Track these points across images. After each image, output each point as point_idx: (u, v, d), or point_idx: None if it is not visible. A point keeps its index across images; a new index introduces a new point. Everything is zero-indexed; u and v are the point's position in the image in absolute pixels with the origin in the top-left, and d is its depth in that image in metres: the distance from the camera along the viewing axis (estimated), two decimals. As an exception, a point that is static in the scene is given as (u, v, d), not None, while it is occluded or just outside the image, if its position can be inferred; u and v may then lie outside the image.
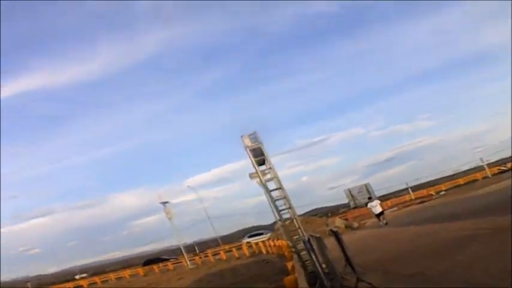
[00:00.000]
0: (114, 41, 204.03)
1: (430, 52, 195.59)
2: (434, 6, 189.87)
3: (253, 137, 17.71)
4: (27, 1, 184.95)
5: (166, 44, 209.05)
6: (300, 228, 17.90)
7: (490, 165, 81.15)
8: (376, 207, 36.08)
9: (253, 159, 17.75)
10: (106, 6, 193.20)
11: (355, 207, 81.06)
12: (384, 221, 35.01)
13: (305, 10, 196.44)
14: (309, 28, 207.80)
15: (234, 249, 58.57)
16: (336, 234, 14.70)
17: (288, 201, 17.93)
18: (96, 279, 74.36)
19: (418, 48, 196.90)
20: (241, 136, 17.72)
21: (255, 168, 17.93)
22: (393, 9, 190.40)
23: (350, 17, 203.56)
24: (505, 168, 74.96)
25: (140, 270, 69.22)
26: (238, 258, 49.26)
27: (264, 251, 46.74)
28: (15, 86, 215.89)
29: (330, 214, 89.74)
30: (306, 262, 16.61)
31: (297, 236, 17.86)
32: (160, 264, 69.00)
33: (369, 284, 12.47)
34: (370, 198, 45.71)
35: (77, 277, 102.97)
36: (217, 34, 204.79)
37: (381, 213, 36.19)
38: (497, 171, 74.24)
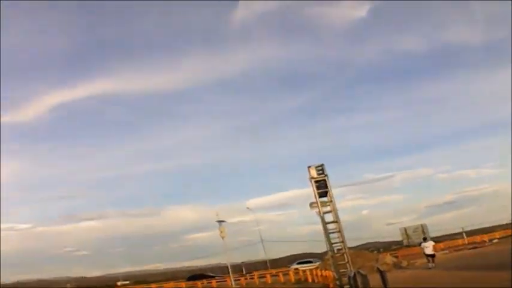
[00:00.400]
0: (199, 55, 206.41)
1: (504, 102, 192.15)
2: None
3: (320, 169, 18.42)
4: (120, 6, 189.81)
5: (248, 65, 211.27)
6: (348, 263, 18.47)
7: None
8: (428, 247, 36.02)
9: (315, 191, 18.42)
10: (193, 17, 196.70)
11: (407, 246, 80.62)
12: (433, 264, 34.84)
13: (393, 47, 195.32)
14: (394, 65, 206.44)
15: (280, 274, 58.09)
16: (381, 273, 15.46)
17: (342, 235, 18.49)
18: None
19: (498, 97, 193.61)
20: (309, 167, 18.44)
21: (316, 199, 18.61)
22: (482, 55, 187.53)
23: (437, 59, 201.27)
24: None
25: (183, 284, 69.53)
26: (283, 284, 49.62)
27: (309, 279, 46.51)
28: (88, 88, 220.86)
29: (382, 250, 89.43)
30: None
31: (344, 270, 18.44)
32: (205, 281, 68.85)
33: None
34: (425, 238, 45.60)
35: (119, 283, 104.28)
36: (302, 62, 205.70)
37: (433, 255, 35.84)
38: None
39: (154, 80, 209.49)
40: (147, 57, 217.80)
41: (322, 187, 18.48)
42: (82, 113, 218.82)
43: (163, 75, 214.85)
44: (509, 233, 76.83)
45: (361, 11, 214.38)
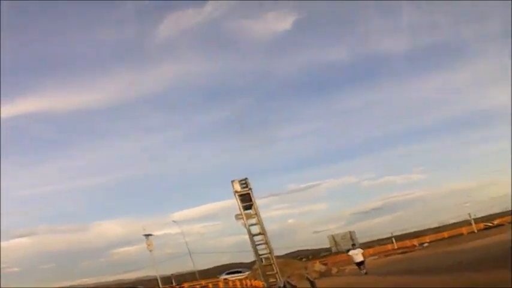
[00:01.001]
0: (120, 71, 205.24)
1: (434, 108, 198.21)
2: (446, 64, 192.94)
3: (244, 183, 18.34)
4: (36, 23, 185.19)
5: (172, 80, 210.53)
6: (277, 273, 18.12)
7: (477, 220, 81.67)
8: (357, 255, 34.22)
9: (240, 204, 18.34)
10: (116, 36, 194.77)
11: (336, 253, 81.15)
12: (364, 271, 33.48)
13: (317, 58, 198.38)
14: (318, 76, 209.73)
15: (210, 285, 58.22)
16: (310, 282, 14.87)
17: (269, 246, 18.35)
18: None
19: (423, 104, 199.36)
20: (232, 181, 18.35)
21: (241, 211, 18.41)
22: (406, 64, 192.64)
23: (360, 69, 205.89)
24: (491, 224, 75.50)
25: None
26: None
27: None
28: (14, 107, 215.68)
29: (311, 257, 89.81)
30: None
31: (274, 280, 18.09)
32: None
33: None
34: (353, 245, 44.14)
35: None
36: (226, 75, 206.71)
37: (362, 262, 34.23)
38: (483, 227, 74.71)
39: (82, 98, 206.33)
40: (72, 75, 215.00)
41: (246, 200, 18.35)
42: (9, 130, 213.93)
43: (90, 93, 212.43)
44: (440, 237, 78.60)
45: (286, 23, 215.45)
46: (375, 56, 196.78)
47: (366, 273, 32.90)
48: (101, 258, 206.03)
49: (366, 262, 35.61)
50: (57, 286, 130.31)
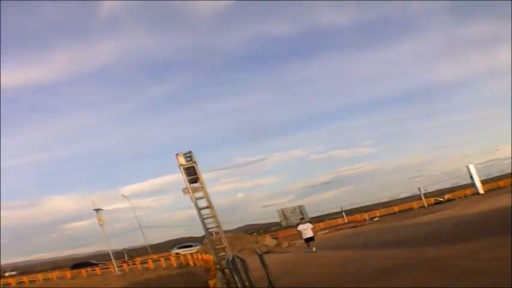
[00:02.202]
0: (65, 47, 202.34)
1: (380, 82, 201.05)
2: (390, 39, 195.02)
3: (188, 156, 18.41)
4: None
5: (117, 55, 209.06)
6: (226, 247, 18.24)
7: (428, 195, 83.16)
8: (307, 230, 31.71)
9: (185, 177, 18.46)
10: (61, 10, 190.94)
11: (286, 227, 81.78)
12: (314, 248, 30.84)
13: (263, 32, 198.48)
14: (263, 50, 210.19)
15: (162, 259, 60.05)
16: (260, 257, 14.79)
17: (217, 220, 18.50)
18: (25, 278, 74.48)
19: (369, 77, 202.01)
20: (176, 154, 18.44)
21: (187, 185, 18.50)
22: (352, 38, 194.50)
23: (305, 42, 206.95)
24: (441, 199, 76.95)
25: (68, 273, 69.58)
26: (165, 269, 49.87)
27: (191, 263, 47.23)
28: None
29: (261, 231, 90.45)
30: (230, 279, 16.74)
31: (223, 254, 18.19)
32: (89, 269, 69.50)
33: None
34: (302, 219, 38.37)
35: (6, 274, 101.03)
36: (171, 50, 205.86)
37: (311, 238, 31.60)
38: (433, 202, 76.08)
39: (28, 74, 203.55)
40: (16, 50, 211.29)
41: (192, 173, 18.35)
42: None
43: (35, 69, 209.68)
44: (390, 211, 79.93)
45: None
46: (319, 30, 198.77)
47: (315, 251, 30.48)
48: (53, 234, 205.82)
49: (315, 238, 32.80)
50: (11, 261, 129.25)
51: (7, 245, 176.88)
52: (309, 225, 32.60)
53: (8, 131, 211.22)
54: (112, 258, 63.11)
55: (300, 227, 32.57)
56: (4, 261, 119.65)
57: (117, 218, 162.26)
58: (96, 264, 76.66)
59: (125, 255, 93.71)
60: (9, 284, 71.26)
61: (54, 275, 71.04)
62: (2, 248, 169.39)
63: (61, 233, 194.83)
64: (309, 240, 31.65)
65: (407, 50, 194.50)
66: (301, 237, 33.80)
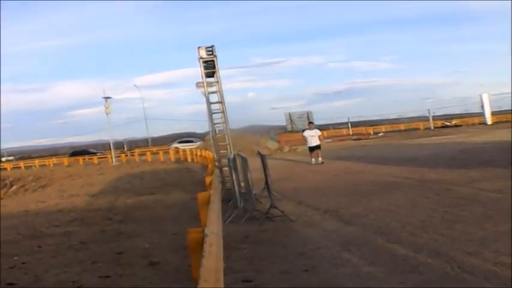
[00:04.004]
0: None
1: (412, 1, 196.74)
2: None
3: (210, 50, 18.37)
4: None
5: None
6: (229, 144, 18.47)
7: (436, 118, 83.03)
8: (314, 137, 29.15)
9: (203, 70, 18.50)
10: None
11: (291, 132, 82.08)
12: (319, 159, 28.66)
13: None
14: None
15: (160, 152, 60.20)
16: (261, 157, 14.96)
17: (225, 116, 18.67)
18: (21, 163, 76.27)
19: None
20: (198, 47, 18.36)
21: (203, 79, 18.64)
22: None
23: None
24: (448, 123, 76.97)
25: (65, 160, 71.74)
26: (162, 162, 50.23)
27: (189, 159, 47.75)
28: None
29: (264, 134, 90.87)
30: (226, 178, 17.10)
31: (225, 151, 18.46)
32: (86, 157, 71.66)
33: (281, 212, 12.81)
34: (310, 123, 33.94)
35: (3, 159, 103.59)
36: None
37: (317, 147, 29.11)
38: (440, 125, 76.12)
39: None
40: None
41: (210, 67, 18.43)
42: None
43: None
44: (395, 128, 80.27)
45: None
46: None
47: (322, 163, 28.37)
48: (59, 120, 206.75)
49: (321, 148, 29.97)
50: (10, 146, 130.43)
51: (9, 129, 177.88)
52: (316, 132, 29.92)
53: (22, 14, 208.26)
54: (112, 148, 63.76)
55: (306, 133, 30.02)
56: (5, 146, 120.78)
57: (125, 108, 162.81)
58: (94, 153, 79.05)
59: (125, 146, 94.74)
60: (5, 169, 72.16)
61: (52, 161, 73.78)
62: (5, 133, 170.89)
63: (67, 119, 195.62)
64: (314, 148, 29.26)
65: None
66: (306, 144, 30.62)
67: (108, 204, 19.65)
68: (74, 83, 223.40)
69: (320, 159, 28.64)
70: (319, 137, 29.61)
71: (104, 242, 12.14)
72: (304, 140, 30.51)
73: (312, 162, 28.70)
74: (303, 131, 32.90)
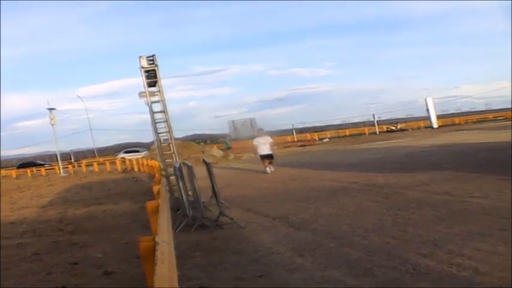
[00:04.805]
0: None
1: (350, 5, 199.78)
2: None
3: (151, 59, 18.45)
4: None
5: None
6: (174, 154, 18.51)
7: (381, 122, 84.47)
8: (264, 145, 26.98)
9: (145, 80, 18.54)
10: None
11: (235, 139, 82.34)
12: (271, 168, 26.94)
13: None
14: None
15: (107, 163, 60.54)
16: (207, 165, 14.94)
17: (169, 125, 18.73)
18: None
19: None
20: (140, 57, 18.45)
21: (145, 88, 18.69)
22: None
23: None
24: (394, 128, 78.42)
25: (13, 172, 71.66)
26: (109, 172, 50.63)
27: (136, 169, 48.01)
28: None
29: (209, 141, 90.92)
30: (174, 187, 17.07)
31: (170, 160, 18.48)
32: (34, 169, 71.12)
33: (231, 219, 12.76)
34: (261, 130, 31.15)
35: None
36: None
37: (270, 155, 27.29)
38: (386, 129, 77.46)
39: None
40: None
41: (151, 77, 18.47)
42: None
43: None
44: (341, 134, 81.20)
45: None
46: None
47: (272, 171, 26.70)
48: (4, 132, 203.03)
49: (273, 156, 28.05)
50: None
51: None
52: (267, 139, 27.49)
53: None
54: (59, 159, 64.12)
55: (256, 141, 27.71)
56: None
57: (68, 119, 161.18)
58: (42, 165, 78.30)
59: (72, 157, 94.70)
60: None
61: None
62: None
63: (13, 131, 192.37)
64: (265, 157, 27.14)
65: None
66: (255, 153, 28.64)
67: (59, 215, 19.39)
68: (18, 95, 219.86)
69: (271, 168, 27.00)
70: (270, 144, 27.39)
71: (57, 252, 11.93)
72: (254, 148, 28.23)
73: (267, 172, 26.58)
74: (254, 138, 29.67)
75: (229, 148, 59.87)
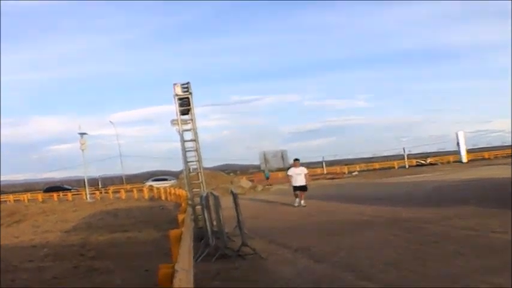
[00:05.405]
0: None
1: (388, 39, 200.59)
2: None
3: (185, 87, 18.50)
4: None
5: None
6: (202, 183, 18.55)
7: (411, 156, 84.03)
8: (300, 175, 25.81)
9: (178, 108, 18.55)
10: None
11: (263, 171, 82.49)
12: (303, 202, 25.56)
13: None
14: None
15: (135, 190, 60.43)
16: (233, 196, 15.10)
17: (199, 154, 18.74)
18: None
19: (378, 33, 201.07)
20: (174, 84, 18.50)
21: (177, 116, 18.75)
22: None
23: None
24: (423, 162, 77.97)
25: (40, 196, 71.88)
26: (136, 200, 50.68)
27: (163, 197, 47.92)
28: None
29: (239, 172, 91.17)
30: (199, 216, 17.17)
31: (198, 190, 18.53)
32: (61, 193, 71.87)
33: (253, 250, 12.89)
34: (297, 160, 27.83)
35: None
36: None
37: (303, 187, 26.03)
38: (415, 164, 76.99)
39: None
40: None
41: (185, 105, 18.48)
42: None
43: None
44: (370, 167, 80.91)
45: None
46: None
47: (304, 206, 25.34)
48: (34, 155, 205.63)
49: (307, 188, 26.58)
50: None
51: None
52: (302, 170, 26.31)
53: (5, 46, 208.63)
54: (86, 184, 64.05)
55: (292, 171, 26.59)
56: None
57: (99, 144, 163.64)
58: (69, 190, 78.67)
59: (99, 183, 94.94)
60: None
61: (26, 197, 73.26)
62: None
63: (42, 154, 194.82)
64: (298, 189, 25.95)
65: (423, 10, 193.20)
66: (290, 184, 27.11)
67: (82, 241, 19.60)
68: (50, 118, 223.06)
69: (303, 202, 25.62)
70: (305, 175, 26.25)
71: (77, 277, 12.13)
72: (289, 179, 27.22)
73: (295, 204, 25.64)
74: (288, 169, 30.01)
75: (267, 178, 59.92)
